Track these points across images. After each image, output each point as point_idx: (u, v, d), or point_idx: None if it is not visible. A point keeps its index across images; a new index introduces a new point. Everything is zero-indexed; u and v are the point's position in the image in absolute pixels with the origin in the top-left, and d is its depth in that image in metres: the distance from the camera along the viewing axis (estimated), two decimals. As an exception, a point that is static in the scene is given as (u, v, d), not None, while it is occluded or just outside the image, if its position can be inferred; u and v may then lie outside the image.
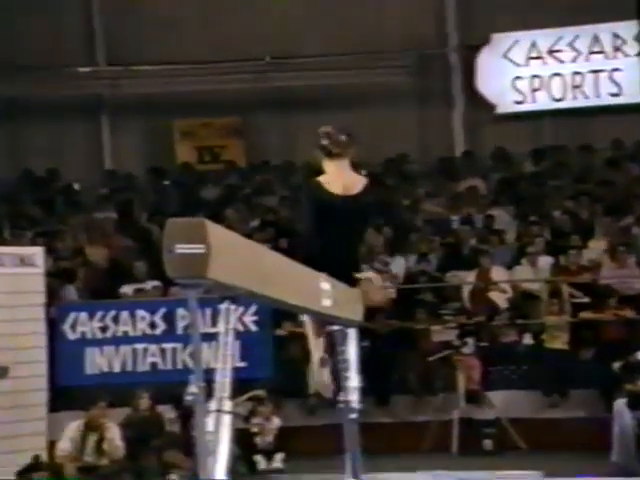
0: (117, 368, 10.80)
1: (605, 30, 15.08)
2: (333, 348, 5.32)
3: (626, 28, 14.96)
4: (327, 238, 5.00)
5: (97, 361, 10.83)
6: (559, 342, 10.86)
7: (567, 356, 10.83)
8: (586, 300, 11.23)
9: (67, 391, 10.66)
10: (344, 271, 4.94)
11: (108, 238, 13.31)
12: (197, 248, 3.32)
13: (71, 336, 10.86)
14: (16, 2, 15.54)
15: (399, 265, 12.31)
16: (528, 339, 11.22)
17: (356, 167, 5.20)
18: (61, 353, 10.67)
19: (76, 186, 15.59)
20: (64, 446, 9.48)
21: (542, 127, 15.55)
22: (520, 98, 15.47)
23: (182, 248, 3.33)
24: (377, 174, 13.81)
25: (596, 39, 15.17)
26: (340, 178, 5.06)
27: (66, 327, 10.85)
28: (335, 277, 4.83)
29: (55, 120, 15.74)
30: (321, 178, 5.08)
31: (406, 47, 15.48)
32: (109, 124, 16.31)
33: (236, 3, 15.75)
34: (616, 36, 15.08)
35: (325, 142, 5.06)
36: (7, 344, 9.70)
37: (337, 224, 5.00)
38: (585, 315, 11.09)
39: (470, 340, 10.84)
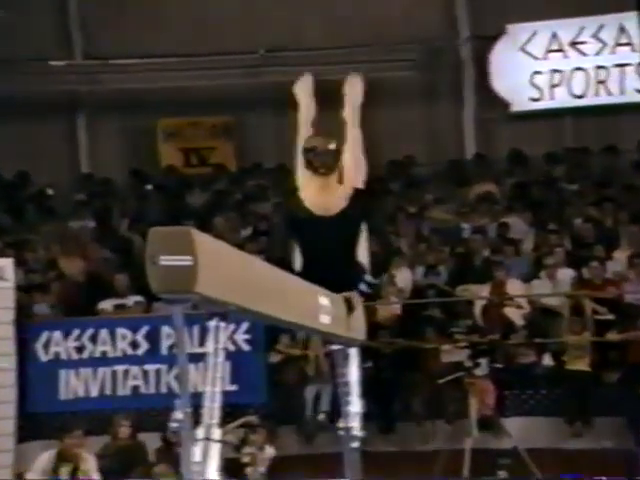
0: (94, 392, 10.79)
1: (632, 19, 15.07)
2: (333, 369, 5.32)
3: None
4: (311, 256, 5.04)
5: (72, 385, 10.82)
6: (582, 363, 10.85)
7: (590, 379, 10.83)
8: (611, 317, 11.22)
9: (38, 418, 10.64)
10: (333, 290, 4.97)
11: (84, 249, 13.31)
12: (183, 260, 3.33)
13: (43, 357, 10.84)
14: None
15: (405, 278, 12.31)
16: (547, 360, 11.21)
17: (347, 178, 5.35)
18: (32, 376, 10.65)
19: (49, 191, 15.59)
20: (34, 479, 9.44)
21: (562, 127, 15.56)
22: (537, 95, 15.48)
23: (167, 260, 3.34)
24: (379, 178, 13.84)
25: (622, 29, 15.17)
26: (323, 197, 5.17)
27: (38, 347, 10.84)
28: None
29: (26, 119, 15.73)
30: (303, 194, 5.14)
31: (412, 39, 15.51)
32: (86, 123, 16.33)
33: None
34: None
35: (311, 157, 5.14)
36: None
37: (320, 243, 5.09)
38: (610, 334, 11.08)
39: (483, 361, 10.83)
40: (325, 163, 5.18)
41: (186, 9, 15.80)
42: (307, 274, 4.94)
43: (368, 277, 5.24)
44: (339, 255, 5.14)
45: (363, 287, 5.23)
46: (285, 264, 5.00)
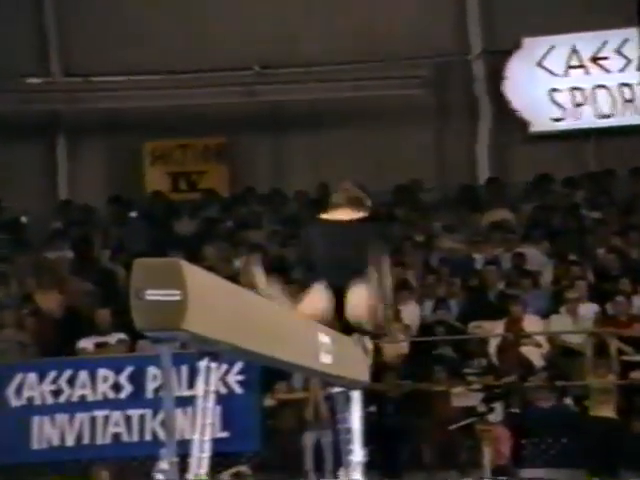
0: (71, 441, 10.74)
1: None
2: (333, 414, 5.33)
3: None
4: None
5: (47, 433, 10.77)
6: (607, 409, 10.80)
7: (617, 427, 10.78)
8: (639, 358, 11.21)
9: (8, 470, 10.57)
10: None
11: (62, 282, 13.30)
12: (171, 294, 3.33)
13: (15, 402, 10.79)
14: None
15: (412, 313, 12.31)
16: (569, 405, 11.17)
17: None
18: (1, 424, 10.60)
19: (23, 219, 15.60)
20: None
21: (584, 149, 15.61)
22: (559, 114, 15.53)
23: (153, 294, 3.34)
24: (385, 204, 13.87)
25: (648, 43, 15.26)
26: None
27: (9, 392, 10.79)
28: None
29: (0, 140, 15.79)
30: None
31: (421, 54, 15.58)
32: (65, 145, 16.37)
33: (219, 1, 15.87)
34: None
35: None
36: None
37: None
38: (637, 376, 11.06)
39: (498, 405, 10.80)
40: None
41: (174, 24, 15.88)
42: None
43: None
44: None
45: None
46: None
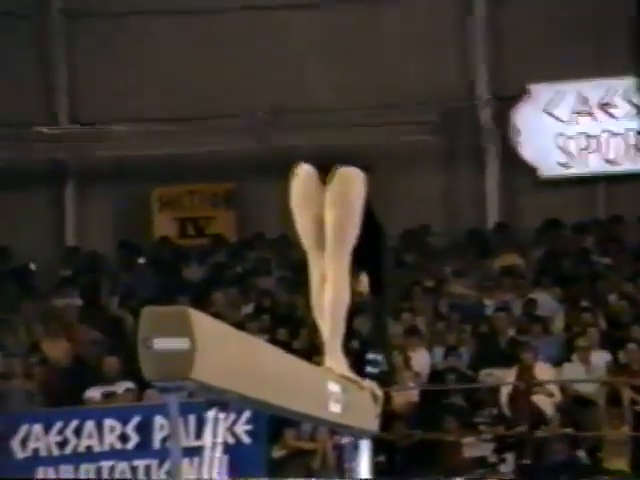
0: (76, 492, 10.68)
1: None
2: (341, 464, 5.27)
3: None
4: None
5: (51, 485, 10.69)
6: (620, 462, 10.69)
7: (631, 480, 10.69)
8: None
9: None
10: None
11: (70, 330, 13.30)
12: (180, 343, 3.31)
13: (20, 454, 10.72)
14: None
15: (422, 360, 12.26)
16: (582, 456, 11.06)
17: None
18: (5, 475, 10.52)
19: (32, 267, 15.63)
20: None
21: (594, 194, 15.64)
22: (567, 160, 15.59)
23: (161, 343, 3.32)
24: (394, 249, 13.87)
25: (655, 90, 15.38)
26: None
27: (15, 443, 10.73)
28: None
29: (6, 188, 15.87)
30: None
31: (429, 100, 15.66)
32: (73, 192, 16.45)
33: (227, 47, 15.98)
34: (678, 87, 15.28)
35: None
36: None
37: None
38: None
39: (509, 456, 10.72)
40: None
41: (181, 70, 15.99)
42: None
43: (371, 355, 5.21)
44: None
45: (369, 368, 5.19)
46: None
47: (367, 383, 5.05)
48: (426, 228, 15.31)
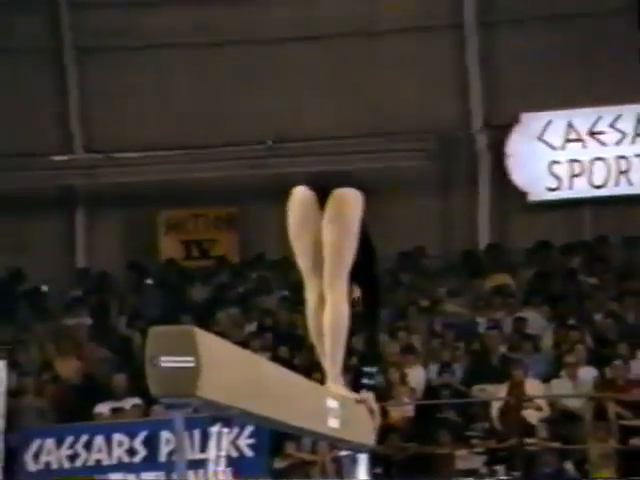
0: (86, 505, 10.65)
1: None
2: (340, 476, 5.27)
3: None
4: None
5: (62, 497, 10.68)
6: (607, 474, 10.67)
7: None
8: (637, 423, 11.09)
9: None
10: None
11: (81, 348, 13.29)
12: (185, 361, 3.33)
13: (32, 467, 10.71)
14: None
15: (418, 377, 12.25)
16: (570, 468, 11.04)
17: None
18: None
19: (44, 288, 15.64)
20: None
21: (581, 217, 15.67)
22: (556, 184, 15.63)
23: (167, 361, 3.34)
24: (390, 270, 13.87)
25: (640, 120, 15.45)
26: None
27: (27, 457, 10.71)
28: None
29: (19, 213, 15.91)
30: None
31: (425, 128, 15.70)
32: (83, 217, 16.48)
33: (229, 80, 16.05)
34: (663, 117, 15.35)
35: None
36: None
37: None
38: (636, 441, 10.93)
39: (501, 469, 10.70)
40: None
41: (188, 103, 16.05)
42: None
43: (366, 368, 5.17)
44: None
45: (365, 380, 5.15)
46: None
47: (364, 396, 5.03)
48: (421, 250, 15.32)
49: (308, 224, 4.91)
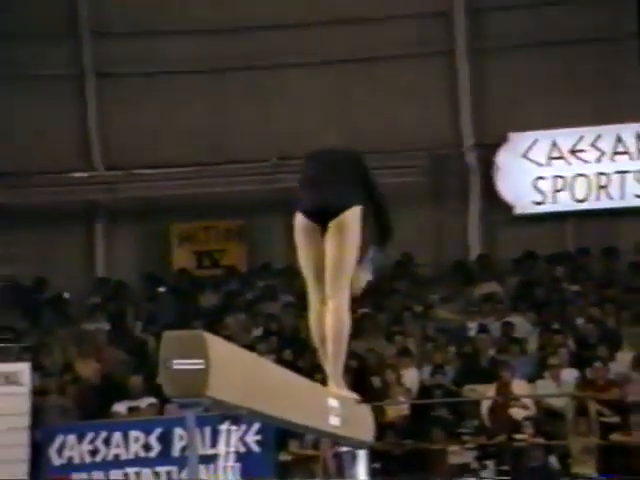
0: (106, 496, 10.65)
1: (628, 130, 15.40)
2: (341, 470, 5.28)
3: (651, 129, 15.32)
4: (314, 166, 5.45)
5: (84, 489, 10.67)
6: (588, 468, 10.65)
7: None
8: (616, 420, 11.07)
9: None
10: (338, 189, 5.13)
11: (100, 351, 13.29)
12: (196, 364, 3.35)
13: (56, 461, 10.70)
14: (12, 110, 15.99)
15: (412, 378, 12.24)
16: (554, 462, 11.02)
17: None
18: (44, 481, 10.51)
19: (66, 295, 15.65)
20: None
21: (564, 229, 15.68)
22: (540, 199, 15.65)
23: (180, 364, 3.36)
24: (387, 278, 13.87)
25: (619, 139, 15.47)
26: None
27: (52, 452, 10.71)
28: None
29: (44, 226, 15.94)
30: None
31: (420, 146, 15.73)
32: (103, 229, 16.50)
33: (239, 102, 16.09)
34: (640, 137, 15.41)
35: None
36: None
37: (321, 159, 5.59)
38: (615, 437, 10.91)
39: (490, 463, 10.67)
40: None
41: (200, 122, 16.08)
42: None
43: (372, 250, 5.26)
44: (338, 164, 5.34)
45: (371, 253, 5.22)
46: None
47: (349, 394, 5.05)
48: (409, 256, 15.26)
49: (310, 243, 5.06)
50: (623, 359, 11.97)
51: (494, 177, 15.70)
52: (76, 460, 10.72)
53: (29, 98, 16.06)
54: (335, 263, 4.96)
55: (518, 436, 11.06)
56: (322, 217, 5.05)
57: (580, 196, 15.55)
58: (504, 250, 15.58)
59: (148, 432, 10.75)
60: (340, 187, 5.11)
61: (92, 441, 10.74)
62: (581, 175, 15.51)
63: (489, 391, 11.86)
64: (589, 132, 15.47)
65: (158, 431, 10.73)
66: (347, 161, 5.28)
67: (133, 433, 10.75)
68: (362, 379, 11.32)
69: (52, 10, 16.33)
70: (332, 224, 5.02)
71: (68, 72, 16.45)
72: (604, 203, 15.46)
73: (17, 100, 16.05)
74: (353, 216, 5.10)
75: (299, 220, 5.10)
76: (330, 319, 4.91)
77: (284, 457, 11.05)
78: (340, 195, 5.09)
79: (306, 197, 5.11)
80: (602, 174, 15.48)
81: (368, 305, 13.38)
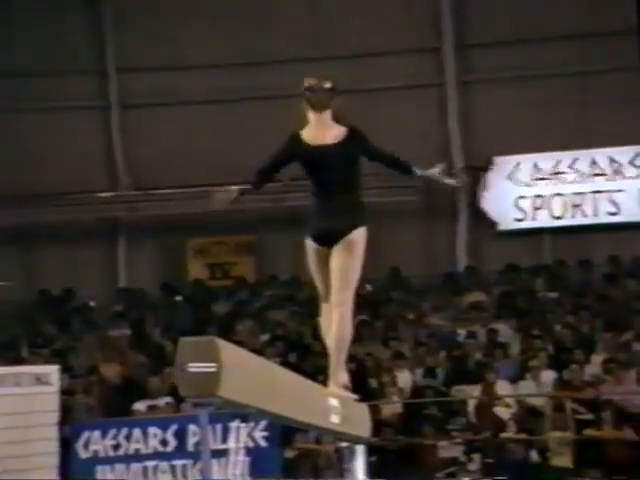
0: (128, 486, 10.64)
1: (602, 154, 15.46)
2: (342, 463, 5.27)
3: (623, 153, 15.34)
4: (318, 187, 5.22)
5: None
6: (564, 459, 10.64)
7: (572, 474, 10.59)
8: (590, 417, 11.07)
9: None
10: (342, 216, 5.05)
11: (122, 355, 13.29)
12: (208, 367, 3.35)
13: (83, 455, 10.70)
14: (46, 138, 16.10)
15: (406, 379, 12.22)
16: (534, 455, 10.99)
17: (342, 119, 5.22)
18: (72, 472, 10.49)
19: (92, 304, 15.66)
20: None
21: (542, 243, 15.72)
22: (521, 216, 15.71)
23: (194, 367, 3.36)
24: (382, 288, 13.86)
25: (594, 162, 15.53)
26: (318, 129, 5.29)
27: (78, 446, 10.71)
28: (333, 223, 5.00)
29: (72, 242, 16.01)
30: (303, 130, 5.19)
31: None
32: (125, 244, 16.53)
33: (250, 129, 16.11)
34: (613, 160, 15.44)
35: (309, 95, 5.14)
36: (18, 466, 9.54)
37: (322, 173, 5.25)
38: (589, 432, 10.90)
39: (476, 457, 10.65)
40: (320, 100, 5.13)
41: (214, 146, 16.12)
42: (322, 203, 5.09)
43: (418, 170, 5.25)
44: (340, 181, 5.19)
45: (417, 171, 5.25)
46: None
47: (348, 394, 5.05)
48: (396, 270, 15.25)
49: (320, 263, 5.13)
50: (597, 362, 11.96)
51: (480, 197, 15.75)
52: (101, 454, 10.71)
53: (61, 127, 16.17)
54: (340, 276, 4.99)
55: (504, 435, 11.04)
56: (329, 241, 5.07)
57: (557, 213, 15.60)
58: (489, 263, 15.61)
59: (165, 429, 10.73)
60: (343, 209, 5.07)
61: (115, 437, 10.73)
62: (558, 195, 15.57)
63: (475, 391, 11.85)
64: (567, 156, 15.55)
65: (174, 428, 10.71)
66: (346, 159, 5.18)
67: (151, 429, 10.73)
68: (360, 380, 11.30)
69: (82, 48, 16.45)
70: (340, 244, 5.06)
71: (96, 104, 16.58)
72: (579, 220, 15.52)
73: (51, 129, 16.17)
74: (358, 235, 5.15)
75: (309, 244, 5.14)
76: (334, 327, 4.92)
77: (289, 454, 11.00)
78: (343, 219, 5.08)
79: (314, 223, 5.05)
80: (578, 194, 15.52)
81: (366, 313, 13.39)
